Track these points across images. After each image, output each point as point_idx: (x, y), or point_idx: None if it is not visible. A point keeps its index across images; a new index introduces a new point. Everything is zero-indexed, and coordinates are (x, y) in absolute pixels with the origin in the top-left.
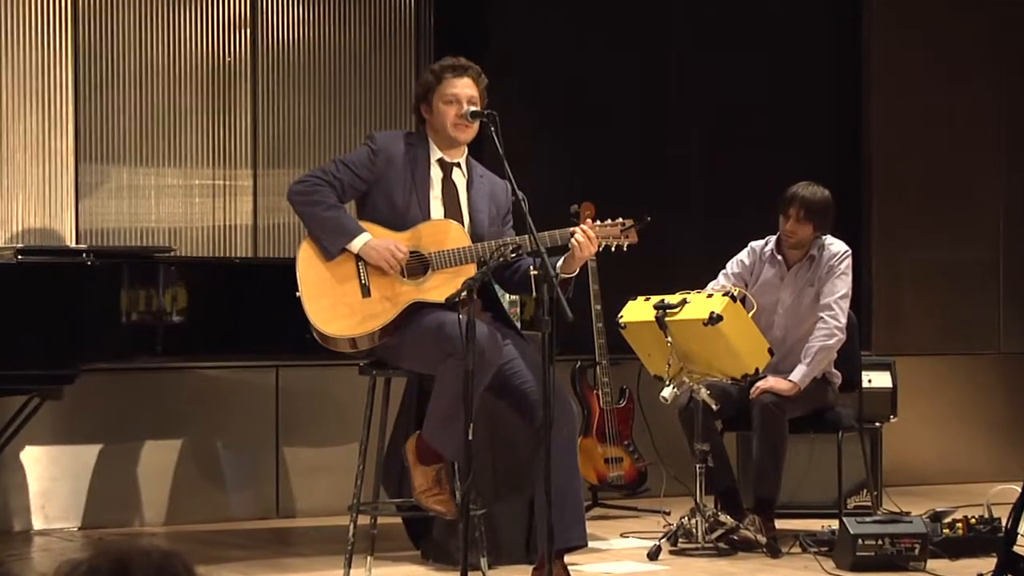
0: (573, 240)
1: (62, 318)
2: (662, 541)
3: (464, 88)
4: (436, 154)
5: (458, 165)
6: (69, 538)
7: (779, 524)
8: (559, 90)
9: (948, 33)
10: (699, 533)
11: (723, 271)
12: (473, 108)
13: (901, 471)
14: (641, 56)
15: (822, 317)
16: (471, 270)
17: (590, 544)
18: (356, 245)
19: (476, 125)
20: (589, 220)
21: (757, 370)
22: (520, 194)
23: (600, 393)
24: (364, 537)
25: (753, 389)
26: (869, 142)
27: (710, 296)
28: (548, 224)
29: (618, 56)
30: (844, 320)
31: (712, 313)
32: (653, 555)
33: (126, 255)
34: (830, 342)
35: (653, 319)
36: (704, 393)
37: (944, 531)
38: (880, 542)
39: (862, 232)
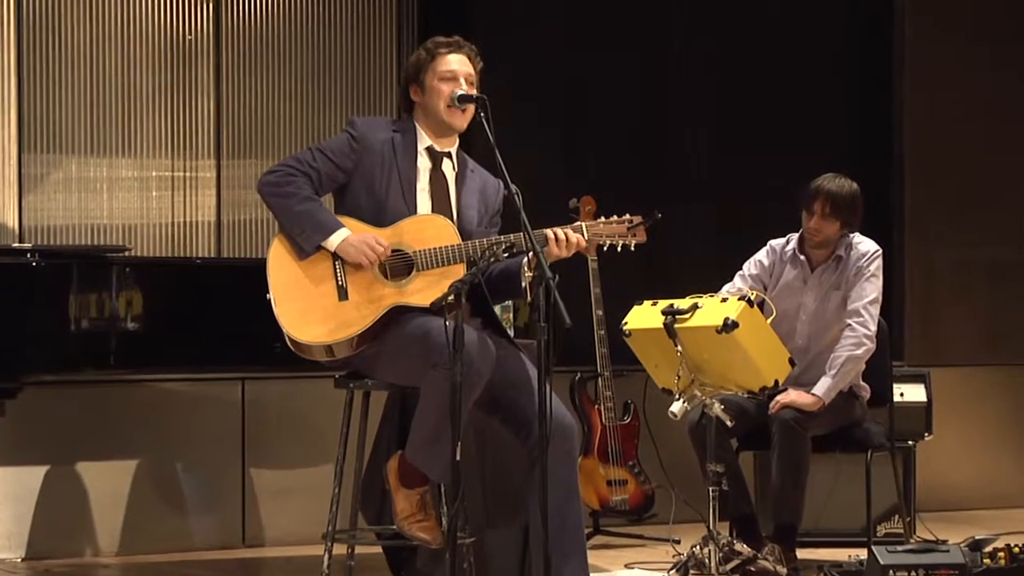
0: (548, 232)
1: (3, 325)
2: (671, 572)
3: (461, 65)
4: (424, 142)
5: (448, 155)
6: (12, 570)
7: (801, 553)
8: (556, 77)
9: (987, 14)
10: (712, 564)
11: (739, 273)
12: (461, 92)
13: (937, 494)
14: (641, 43)
15: (849, 324)
16: (460, 271)
17: None
18: (333, 242)
19: (470, 112)
20: (591, 216)
21: (777, 383)
22: (513, 187)
23: (602, 408)
24: (340, 568)
25: (772, 404)
26: (900, 129)
27: (724, 300)
28: (544, 220)
29: (617, 42)
30: (874, 327)
31: (727, 319)
32: None
33: (75, 255)
34: (858, 352)
35: (661, 326)
36: (718, 408)
37: (985, 561)
38: (914, 574)
39: (894, 229)
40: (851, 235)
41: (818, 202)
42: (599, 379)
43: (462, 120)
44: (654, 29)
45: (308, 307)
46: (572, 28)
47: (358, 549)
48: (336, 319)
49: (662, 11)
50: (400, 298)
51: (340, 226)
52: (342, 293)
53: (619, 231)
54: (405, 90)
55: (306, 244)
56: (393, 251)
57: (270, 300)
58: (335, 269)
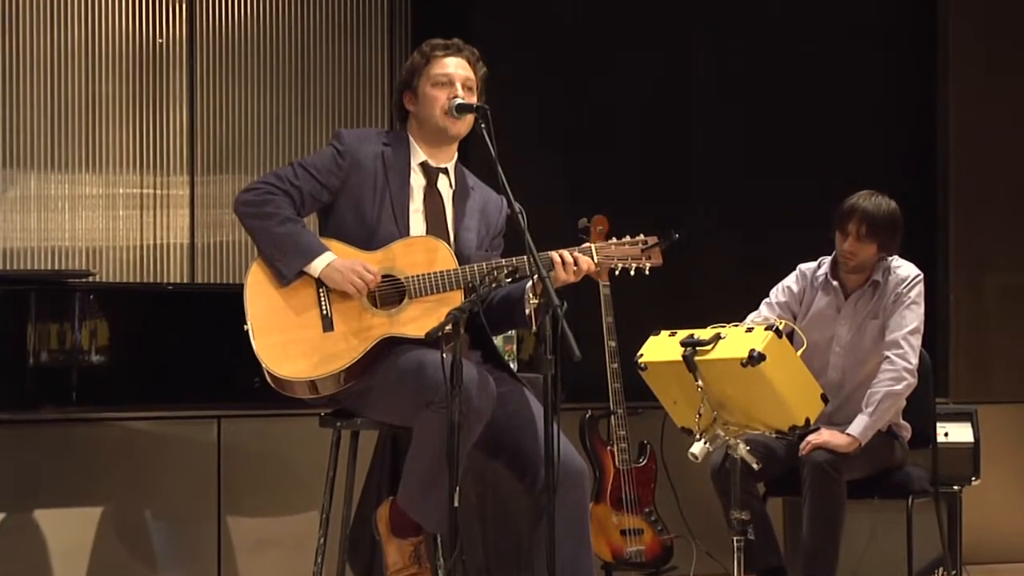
0: (554, 255)
1: None
2: None
3: (458, 68)
4: (419, 157)
5: (445, 171)
6: None
7: None
8: (566, 84)
9: None
10: None
11: (766, 300)
12: (460, 100)
13: (985, 545)
14: (658, 43)
15: (888, 357)
16: (457, 299)
17: None
18: (316, 267)
19: (469, 119)
20: (602, 238)
21: (808, 421)
22: (517, 206)
23: (615, 449)
24: None
25: (803, 445)
26: (944, 143)
27: (750, 330)
28: (551, 242)
29: (630, 43)
30: (915, 360)
31: (752, 351)
32: None
33: (34, 280)
34: (898, 387)
35: (680, 358)
36: (743, 449)
37: None
38: None
39: (937, 252)
40: (889, 259)
41: (852, 222)
42: (612, 417)
43: (459, 127)
44: (677, 36)
45: (290, 339)
46: (584, 30)
47: None
48: (321, 352)
49: (685, 19)
50: (391, 328)
51: (324, 250)
52: (327, 323)
53: (632, 253)
54: (399, 99)
55: (286, 270)
56: (383, 277)
57: (248, 332)
58: (319, 297)
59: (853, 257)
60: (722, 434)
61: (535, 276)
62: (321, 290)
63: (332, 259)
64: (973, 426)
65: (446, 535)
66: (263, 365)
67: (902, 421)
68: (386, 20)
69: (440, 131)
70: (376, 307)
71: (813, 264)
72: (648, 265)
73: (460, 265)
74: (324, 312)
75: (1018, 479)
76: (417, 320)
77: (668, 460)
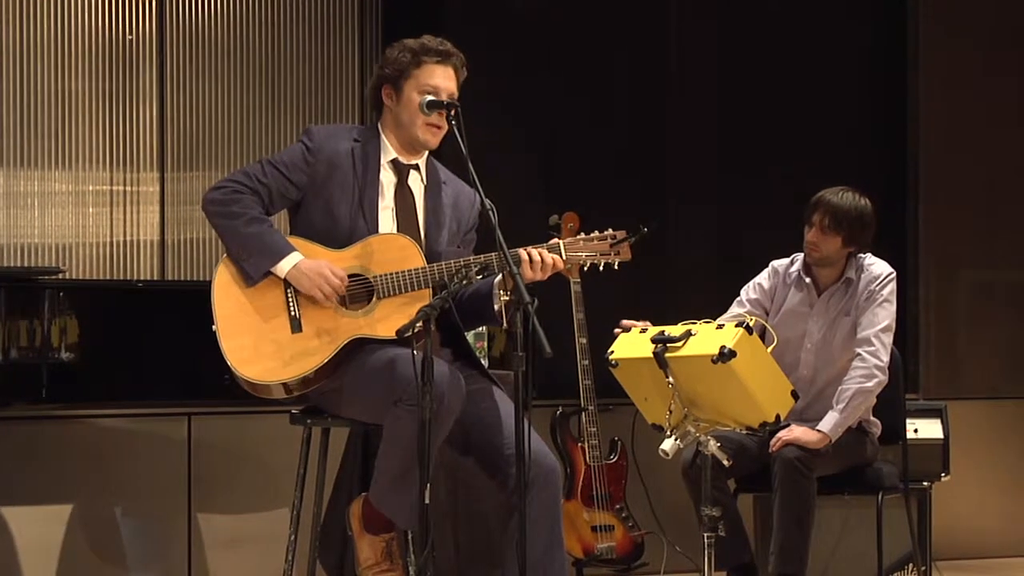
0: (522, 252)
1: None
2: None
3: (447, 80)
4: (390, 154)
5: (416, 168)
6: None
7: None
8: (534, 75)
9: (1006, 22)
10: None
11: (738, 297)
12: (431, 97)
13: (955, 541)
14: (636, 32)
15: (859, 354)
16: (426, 297)
17: None
18: (283, 268)
19: (445, 129)
20: (573, 235)
21: (779, 418)
22: (488, 202)
23: (586, 446)
24: None
25: (774, 441)
26: (916, 143)
27: (721, 327)
28: (523, 238)
29: (607, 35)
30: (886, 357)
31: (723, 348)
32: None
33: (3, 277)
34: (869, 384)
35: (651, 355)
36: (714, 446)
37: None
38: None
39: (908, 250)
40: (862, 256)
41: (817, 213)
42: (583, 414)
43: (436, 139)
44: (651, 31)
45: (258, 340)
46: (555, 27)
47: None
48: (290, 353)
49: (660, 15)
50: (360, 328)
51: (292, 250)
52: (295, 324)
53: (601, 248)
54: (377, 89)
55: (253, 270)
56: (352, 276)
57: (216, 333)
58: (287, 297)
59: (816, 249)
60: (693, 430)
61: (503, 271)
62: (289, 290)
63: (299, 260)
64: (943, 422)
65: (417, 532)
66: (232, 368)
67: (872, 417)
68: (357, 16)
69: (419, 138)
70: (345, 306)
71: (786, 261)
72: (617, 260)
73: (430, 263)
74: (292, 313)
75: (987, 475)
76: (386, 319)
77: (639, 457)
